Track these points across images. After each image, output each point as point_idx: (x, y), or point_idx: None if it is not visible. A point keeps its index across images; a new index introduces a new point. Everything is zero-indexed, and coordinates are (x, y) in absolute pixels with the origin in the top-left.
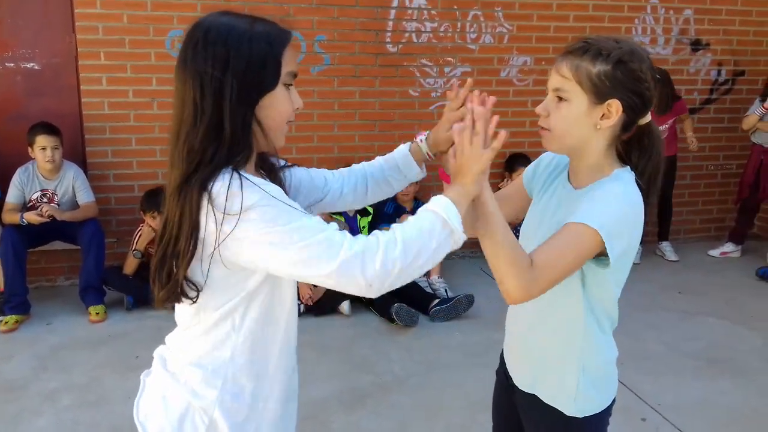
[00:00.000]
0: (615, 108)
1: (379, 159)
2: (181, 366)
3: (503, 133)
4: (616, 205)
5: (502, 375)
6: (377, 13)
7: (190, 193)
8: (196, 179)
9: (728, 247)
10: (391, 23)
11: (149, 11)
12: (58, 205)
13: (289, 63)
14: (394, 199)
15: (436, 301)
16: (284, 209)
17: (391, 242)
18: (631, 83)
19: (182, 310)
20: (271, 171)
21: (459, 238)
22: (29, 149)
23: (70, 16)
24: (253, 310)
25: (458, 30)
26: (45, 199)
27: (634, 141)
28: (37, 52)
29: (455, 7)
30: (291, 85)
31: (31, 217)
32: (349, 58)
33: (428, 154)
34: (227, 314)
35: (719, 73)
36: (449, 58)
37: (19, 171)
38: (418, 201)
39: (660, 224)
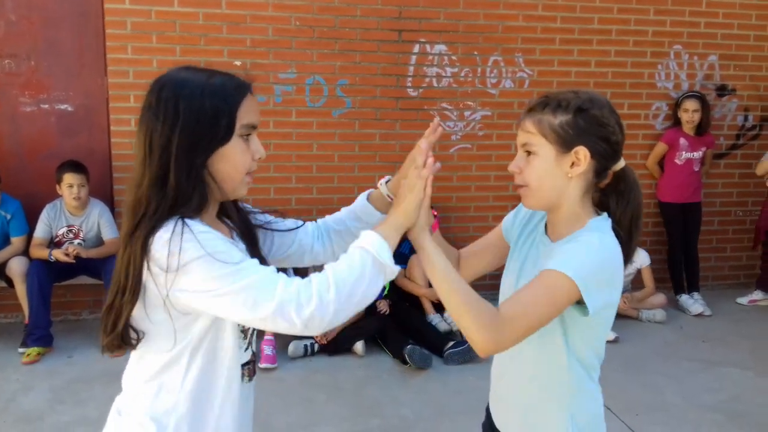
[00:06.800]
0: (583, 154)
1: (341, 211)
2: (128, 411)
3: (430, 163)
4: (593, 254)
5: (488, 429)
6: (398, 58)
7: (134, 247)
8: (139, 232)
9: (757, 295)
10: (412, 68)
11: (178, 56)
12: (84, 240)
13: (246, 115)
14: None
15: (451, 343)
16: (221, 256)
17: (324, 284)
18: (595, 129)
19: (131, 355)
20: (238, 220)
21: (391, 272)
22: (57, 186)
23: (103, 60)
24: (198, 359)
25: (478, 75)
26: (71, 235)
27: (610, 188)
28: (71, 95)
29: (475, 52)
30: (250, 135)
31: (58, 254)
32: (370, 102)
33: (388, 196)
34: (172, 361)
35: (746, 118)
36: (469, 102)
37: (47, 207)
38: None
39: (687, 274)
